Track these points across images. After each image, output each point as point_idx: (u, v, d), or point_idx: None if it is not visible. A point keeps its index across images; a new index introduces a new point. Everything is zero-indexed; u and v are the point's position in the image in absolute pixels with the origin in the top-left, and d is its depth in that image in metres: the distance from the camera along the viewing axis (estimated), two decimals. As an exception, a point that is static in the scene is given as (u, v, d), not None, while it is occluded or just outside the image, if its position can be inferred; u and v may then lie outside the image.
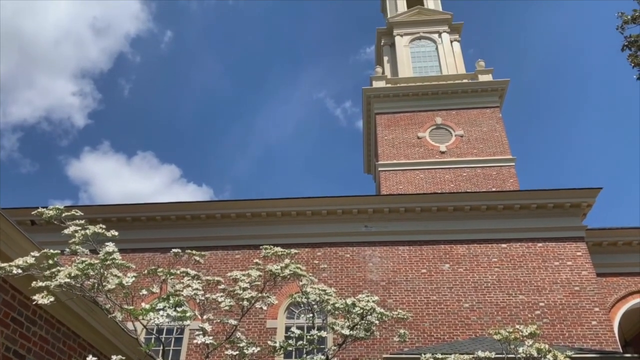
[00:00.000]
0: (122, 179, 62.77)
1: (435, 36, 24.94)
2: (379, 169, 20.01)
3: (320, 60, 66.33)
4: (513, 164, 19.43)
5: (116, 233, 5.61)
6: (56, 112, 64.64)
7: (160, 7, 64.05)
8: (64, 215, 5.41)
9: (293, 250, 6.28)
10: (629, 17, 7.26)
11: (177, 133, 64.21)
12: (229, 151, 65.20)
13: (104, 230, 5.43)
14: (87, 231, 5.32)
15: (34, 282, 4.43)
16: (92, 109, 62.28)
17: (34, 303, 4.69)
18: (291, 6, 65.83)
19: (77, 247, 5.28)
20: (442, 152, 20.08)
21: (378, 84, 22.60)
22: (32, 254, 4.56)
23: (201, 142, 64.59)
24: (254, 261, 6.30)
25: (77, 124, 62.41)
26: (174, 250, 5.96)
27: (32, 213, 5.83)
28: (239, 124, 65.34)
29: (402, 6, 26.87)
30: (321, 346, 9.22)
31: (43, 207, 5.54)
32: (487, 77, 22.14)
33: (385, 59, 25.53)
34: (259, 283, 5.68)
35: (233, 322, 5.52)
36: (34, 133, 60.41)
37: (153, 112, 64.31)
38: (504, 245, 14.89)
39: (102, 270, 4.64)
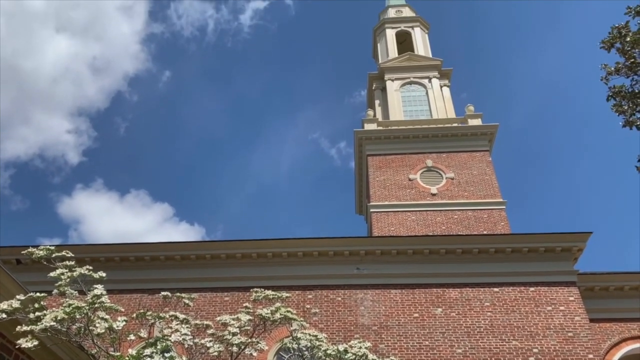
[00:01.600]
0: (114, 217, 62.17)
1: (425, 81, 25.57)
2: (371, 210, 20.04)
3: (315, 101, 67.54)
4: (504, 207, 19.57)
5: (104, 274, 5.52)
6: (50, 150, 64.64)
7: (160, 48, 65.39)
8: (53, 255, 5.33)
9: (284, 294, 6.21)
10: (612, 68, 7.59)
11: (171, 171, 64.25)
12: (223, 190, 65.14)
13: (91, 272, 5.34)
14: (74, 273, 5.23)
15: (19, 327, 4.31)
16: (86, 146, 62.44)
17: (17, 347, 4.55)
18: (288, 49, 67.53)
19: (64, 288, 5.18)
20: (433, 194, 20.21)
21: (370, 127, 22.97)
22: (17, 297, 4.46)
23: (195, 180, 64.57)
24: (244, 305, 6.19)
25: (70, 162, 62.34)
26: (163, 293, 5.86)
27: (22, 253, 5.72)
28: (234, 164, 65.61)
29: (393, 52, 27.65)
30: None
31: (33, 247, 5.45)
32: (477, 121, 22.57)
33: (377, 102, 26.04)
34: (249, 328, 5.58)
35: (221, 368, 5.38)
36: (26, 170, 60.14)
37: (148, 150, 64.51)
38: (496, 290, 14.78)
39: (89, 314, 4.54)
